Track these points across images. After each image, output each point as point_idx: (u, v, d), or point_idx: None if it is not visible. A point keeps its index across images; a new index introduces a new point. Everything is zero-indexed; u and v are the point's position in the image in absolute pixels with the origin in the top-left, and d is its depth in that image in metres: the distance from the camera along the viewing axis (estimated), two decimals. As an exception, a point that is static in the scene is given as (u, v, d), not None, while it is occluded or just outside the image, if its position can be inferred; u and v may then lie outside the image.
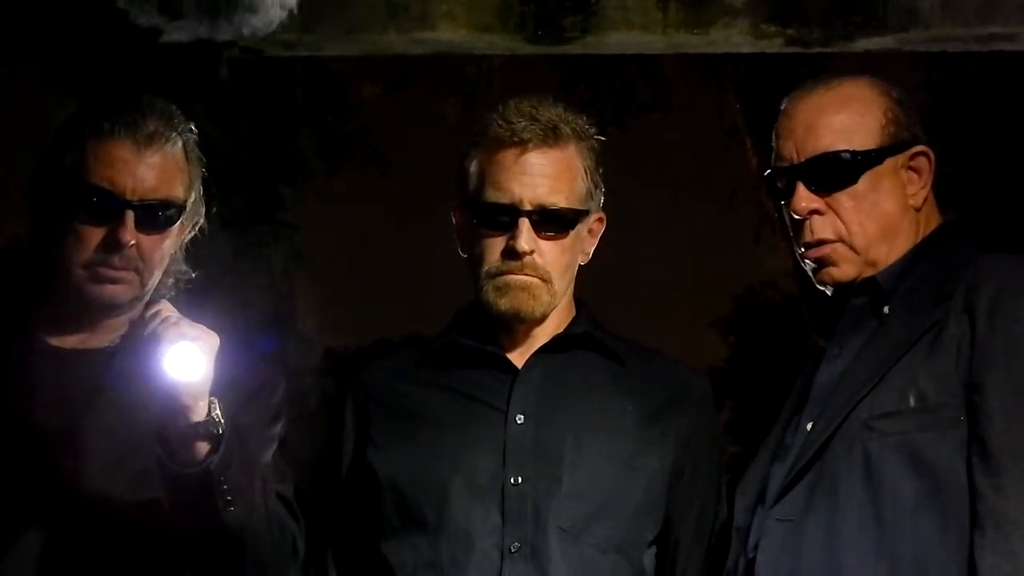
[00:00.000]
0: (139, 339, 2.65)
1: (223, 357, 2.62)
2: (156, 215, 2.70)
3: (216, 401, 2.59)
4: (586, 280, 3.02)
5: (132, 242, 2.67)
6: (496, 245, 2.88)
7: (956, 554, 2.52)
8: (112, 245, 2.67)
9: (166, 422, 2.58)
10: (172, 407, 2.58)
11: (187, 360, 2.57)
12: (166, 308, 2.63)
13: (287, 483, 2.83)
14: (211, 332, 2.61)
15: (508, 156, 2.88)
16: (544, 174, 2.87)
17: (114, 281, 2.69)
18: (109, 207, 2.67)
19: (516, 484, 2.83)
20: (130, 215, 2.67)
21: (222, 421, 2.58)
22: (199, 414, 2.58)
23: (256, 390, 2.80)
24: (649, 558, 2.90)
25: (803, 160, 2.74)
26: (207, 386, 2.59)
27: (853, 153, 2.72)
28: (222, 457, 2.58)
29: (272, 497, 2.75)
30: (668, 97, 13.09)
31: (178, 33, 2.83)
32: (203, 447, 2.58)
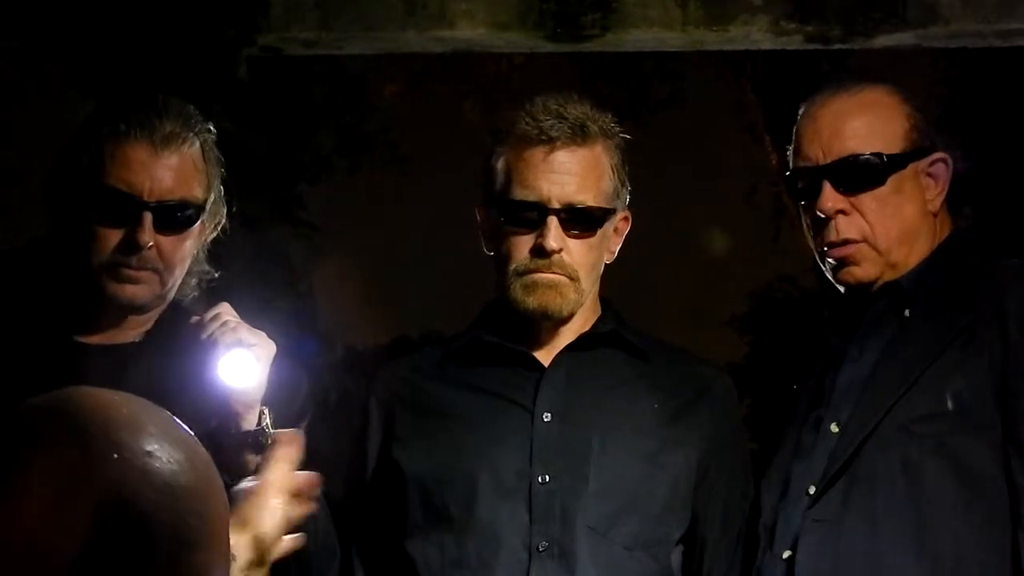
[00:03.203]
0: (165, 335, 2.63)
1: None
2: (174, 216, 2.69)
3: (267, 411, 2.58)
4: (602, 276, 3.00)
5: (150, 243, 2.66)
6: (524, 243, 2.87)
7: (997, 554, 2.54)
8: (130, 246, 2.66)
9: (216, 428, 2.57)
10: (223, 414, 2.57)
11: (242, 367, 2.55)
12: (226, 311, 2.61)
13: None
14: (268, 340, 2.59)
15: (536, 154, 2.87)
16: (572, 172, 2.86)
17: (134, 282, 2.69)
18: (126, 208, 2.67)
19: (544, 483, 2.83)
20: (148, 216, 2.66)
21: (272, 431, 2.56)
22: (249, 423, 2.58)
23: (280, 389, 2.79)
24: (676, 556, 2.90)
25: (830, 161, 2.78)
26: (259, 395, 2.58)
27: (880, 156, 2.77)
28: None
29: (320, 502, 2.74)
30: (684, 93, 13.09)
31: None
32: (253, 456, 2.56)
